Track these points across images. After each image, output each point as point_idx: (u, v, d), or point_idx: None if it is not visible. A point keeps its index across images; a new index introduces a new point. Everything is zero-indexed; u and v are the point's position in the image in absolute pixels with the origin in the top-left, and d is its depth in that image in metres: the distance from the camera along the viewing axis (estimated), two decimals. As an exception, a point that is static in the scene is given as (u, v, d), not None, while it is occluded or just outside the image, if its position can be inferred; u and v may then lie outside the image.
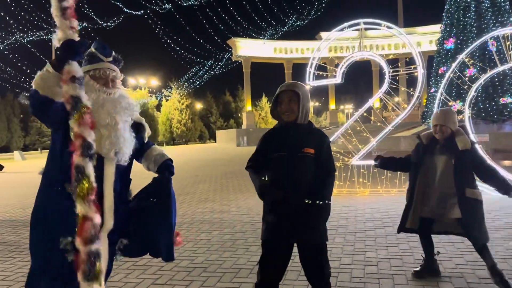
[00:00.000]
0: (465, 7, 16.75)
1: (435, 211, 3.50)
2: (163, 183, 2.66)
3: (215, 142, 49.11)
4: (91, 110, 2.16)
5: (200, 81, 42.78)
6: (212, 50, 37.92)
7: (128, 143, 2.49)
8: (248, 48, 40.98)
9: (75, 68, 2.13)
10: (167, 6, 31.21)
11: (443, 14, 17.85)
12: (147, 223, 2.59)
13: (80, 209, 2.07)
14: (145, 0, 31.25)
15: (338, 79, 8.83)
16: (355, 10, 75.92)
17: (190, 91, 51.51)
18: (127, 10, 31.41)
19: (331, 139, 8.55)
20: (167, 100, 54.51)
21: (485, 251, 3.39)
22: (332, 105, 42.69)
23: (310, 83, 9.19)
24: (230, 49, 40.89)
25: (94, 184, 2.10)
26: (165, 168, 2.70)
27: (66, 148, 2.18)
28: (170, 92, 53.81)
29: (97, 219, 2.09)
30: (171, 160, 2.77)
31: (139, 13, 31.65)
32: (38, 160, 24.42)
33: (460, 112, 8.73)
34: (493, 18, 16.29)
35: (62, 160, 2.29)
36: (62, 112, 2.17)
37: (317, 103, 71.46)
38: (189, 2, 31.35)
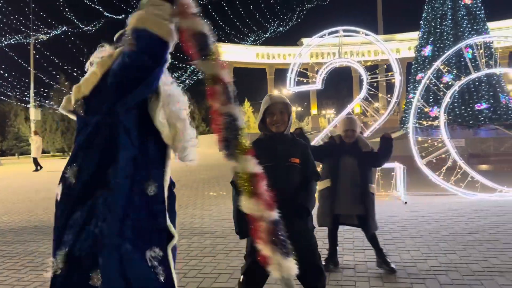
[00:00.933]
0: (442, 15, 17.20)
1: (346, 208, 4.03)
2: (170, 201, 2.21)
3: (198, 147, 48.77)
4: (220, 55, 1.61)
5: (183, 85, 42.52)
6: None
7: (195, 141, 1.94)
8: (231, 53, 41.05)
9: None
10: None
11: (421, 21, 18.28)
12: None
13: (242, 167, 1.64)
14: (126, 4, 31.08)
15: (318, 85, 8.97)
16: (337, 16, 77.03)
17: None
18: (107, 14, 31.14)
19: (312, 143, 8.72)
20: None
21: (375, 239, 4.07)
22: (314, 110, 43.11)
23: (290, 89, 9.31)
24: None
25: (248, 141, 1.64)
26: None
27: (144, 137, 1.60)
28: (151, 97, 53.46)
29: (271, 210, 1.64)
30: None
31: (120, 17, 31.39)
32: (15, 166, 23.85)
33: (436, 117, 8.97)
34: (469, 26, 16.77)
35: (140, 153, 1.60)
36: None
37: (299, 108, 72.00)
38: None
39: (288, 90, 9.59)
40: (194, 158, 1.98)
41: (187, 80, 40.98)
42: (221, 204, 7.95)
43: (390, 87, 10.57)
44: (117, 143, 1.54)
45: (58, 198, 1.61)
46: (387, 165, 8.62)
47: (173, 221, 1.77)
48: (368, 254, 4.46)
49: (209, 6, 32.06)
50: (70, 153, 1.71)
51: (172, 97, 1.74)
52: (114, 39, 1.76)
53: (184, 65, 38.49)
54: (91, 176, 1.53)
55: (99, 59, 1.66)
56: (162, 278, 1.57)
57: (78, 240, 1.48)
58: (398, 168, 8.23)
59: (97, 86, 1.59)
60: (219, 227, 5.97)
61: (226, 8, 33.61)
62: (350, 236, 5.17)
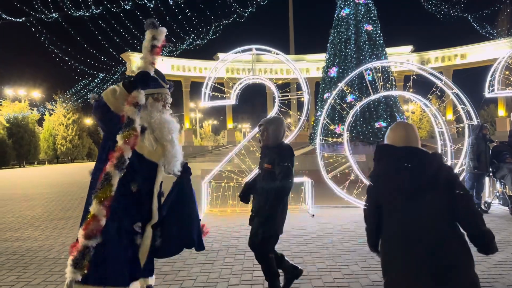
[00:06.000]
0: (346, 39, 18.55)
1: None
2: (184, 182, 3.06)
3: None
4: (138, 134, 2.61)
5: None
6: (105, 62, 35.95)
7: (180, 155, 2.98)
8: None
9: (141, 96, 2.60)
10: (54, 15, 28.87)
11: (328, 44, 19.53)
12: (182, 216, 2.99)
13: (94, 208, 2.45)
14: (29, 7, 28.54)
15: (232, 101, 9.05)
16: (254, 34, 79.19)
17: (79, 105, 47.96)
18: (6, 16, 28.27)
19: (226, 158, 8.73)
20: (50, 114, 49.85)
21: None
22: (229, 124, 43.44)
23: (205, 104, 9.27)
24: (125, 63, 39.34)
25: (113, 193, 2.47)
26: (185, 170, 3.08)
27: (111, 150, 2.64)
28: (54, 106, 49.38)
29: (103, 222, 2.44)
30: (187, 163, 3.17)
31: (20, 20, 28.71)
32: None
33: (341, 134, 9.57)
34: (369, 51, 18.29)
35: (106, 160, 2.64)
36: (116, 122, 2.62)
37: (215, 122, 72.17)
38: (80, 13, 29.42)
39: (203, 104, 9.53)
40: (176, 171, 2.95)
41: (95, 89, 38.89)
42: (129, 222, 7.55)
43: (300, 105, 11.07)
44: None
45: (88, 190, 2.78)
46: (296, 179, 8.99)
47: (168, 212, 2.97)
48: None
49: (122, 15, 30.83)
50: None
51: (162, 124, 2.85)
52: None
53: (93, 73, 36.39)
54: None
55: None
56: (138, 242, 2.80)
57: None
58: (306, 182, 8.58)
59: None
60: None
61: (140, 17, 32.58)
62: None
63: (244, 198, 3.93)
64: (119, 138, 2.53)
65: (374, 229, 2.43)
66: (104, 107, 2.62)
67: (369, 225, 2.48)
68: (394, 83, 16.10)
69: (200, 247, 3.09)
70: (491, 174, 8.20)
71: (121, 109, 2.61)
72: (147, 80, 2.66)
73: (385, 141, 2.55)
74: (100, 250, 2.49)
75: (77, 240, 2.46)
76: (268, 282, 3.73)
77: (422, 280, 2.13)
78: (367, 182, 8.65)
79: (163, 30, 2.82)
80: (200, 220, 3.16)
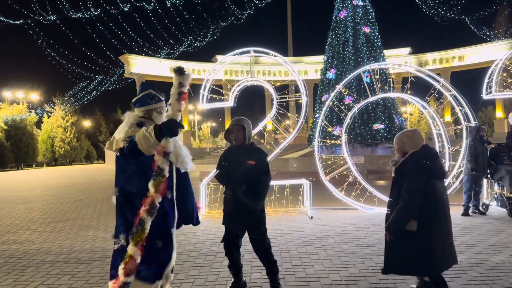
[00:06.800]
0: (344, 41, 18.61)
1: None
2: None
3: (104, 162, 46.14)
4: (167, 180, 2.91)
5: (89, 97, 39.99)
6: (103, 64, 35.81)
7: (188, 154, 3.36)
8: (142, 66, 39.87)
9: (169, 145, 2.86)
10: (52, 18, 28.80)
11: (326, 47, 19.58)
12: (187, 195, 3.40)
13: (131, 249, 2.77)
14: (27, 9, 28.47)
15: (230, 103, 9.04)
16: (253, 36, 79.24)
17: (77, 107, 47.85)
18: (4, 19, 28.22)
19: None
20: (49, 116, 49.72)
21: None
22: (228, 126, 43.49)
23: (203, 106, 9.26)
24: (123, 65, 39.30)
25: (145, 235, 2.81)
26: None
27: (142, 175, 3.04)
28: (53, 108, 49.29)
29: (138, 261, 2.78)
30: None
31: (18, 22, 28.66)
32: None
33: (339, 136, 9.57)
34: (367, 53, 18.35)
35: (139, 182, 3.07)
36: (148, 161, 2.95)
37: (214, 124, 72.09)
38: (78, 15, 29.37)
39: (201, 106, 9.53)
40: (192, 167, 3.33)
41: (94, 92, 38.87)
42: (127, 224, 7.53)
43: (298, 107, 11.09)
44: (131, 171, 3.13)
45: (114, 203, 3.17)
46: (295, 181, 8.99)
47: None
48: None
49: (120, 17, 30.82)
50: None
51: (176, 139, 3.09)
52: (133, 100, 3.34)
53: (91, 75, 36.36)
54: (129, 189, 3.11)
55: (130, 128, 3.11)
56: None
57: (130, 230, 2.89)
58: (305, 184, 8.58)
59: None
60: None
61: (138, 19, 32.58)
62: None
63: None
64: (150, 185, 2.83)
65: None
66: (138, 153, 2.91)
67: None
68: (392, 85, 16.12)
69: (197, 222, 3.47)
70: (489, 175, 8.22)
71: (150, 152, 2.89)
72: (176, 128, 2.85)
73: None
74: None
75: (117, 276, 2.85)
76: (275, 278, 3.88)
77: None
78: (365, 184, 8.66)
79: (189, 76, 3.08)
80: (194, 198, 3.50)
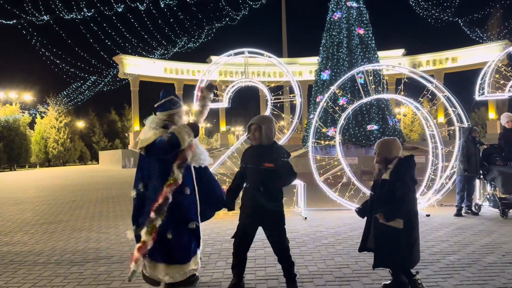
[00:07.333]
0: (338, 43, 18.65)
1: None
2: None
3: (98, 163, 45.98)
4: (177, 182, 3.61)
5: (82, 97, 39.75)
6: (97, 65, 35.61)
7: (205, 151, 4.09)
8: (137, 66, 39.76)
9: (188, 156, 3.79)
10: (45, 18, 28.60)
11: (320, 48, 19.61)
12: (213, 185, 4.11)
13: (144, 237, 3.50)
14: (20, 10, 28.25)
15: (225, 104, 9.05)
16: (247, 37, 79.30)
17: (70, 108, 47.58)
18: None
19: (219, 161, 8.71)
20: (42, 117, 49.37)
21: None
22: (222, 127, 43.43)
23: (196, 107, 9.24)
24: (117, 66, 39.15)
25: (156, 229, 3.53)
26: None
27: (164, 173, 3.69)
28: (46, 109, 48.97)
29: (149, 246, 3.52)
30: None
31: (11, 22, 28.43)
32: None
33: (333, 137, 9.60)
34: (361, 54, 18.40)
35: (159, 178, 3.73)
36: (172, 159, 3.72)
37: (208, 125, 71.97)
38: (72, 15, 29.19)
39: (195, 107, 9.51)
40: (210, 160, 4.07)
41: (87, 92, 38.62)
42: (120, 226, 7.50)
43: (293, 108, 11.09)
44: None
45: (134, 197, 3.84)
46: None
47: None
48: (269, 272, 4.53)
49: (114, 18, 30.68)
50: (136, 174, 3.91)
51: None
52: (155, 105, 3.95)
53: (85, 75, 36.11)
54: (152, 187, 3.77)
55: (156, 129, 3.71)
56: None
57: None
58: (299, 184, 8.59)
59: (151, 143, 3.68)
60: (117, 252, 5.60)
61: (132, 20, 32.45)
62: (252, 254, 5.20)
63: (231, 206, 3.99)
64: (167, 184, 3.60)
65: None
66: (175, 145, 3.59)
67: None
68: (386, 86, 16.19)
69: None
70: (481, 176, 8.27)
71: (185, 145, 3.66)
72: (198, 130, 3.88)
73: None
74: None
75: (132, 254, 3.56)
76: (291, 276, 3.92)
77: None
78: (359, 184, 8.69)
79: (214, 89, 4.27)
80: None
